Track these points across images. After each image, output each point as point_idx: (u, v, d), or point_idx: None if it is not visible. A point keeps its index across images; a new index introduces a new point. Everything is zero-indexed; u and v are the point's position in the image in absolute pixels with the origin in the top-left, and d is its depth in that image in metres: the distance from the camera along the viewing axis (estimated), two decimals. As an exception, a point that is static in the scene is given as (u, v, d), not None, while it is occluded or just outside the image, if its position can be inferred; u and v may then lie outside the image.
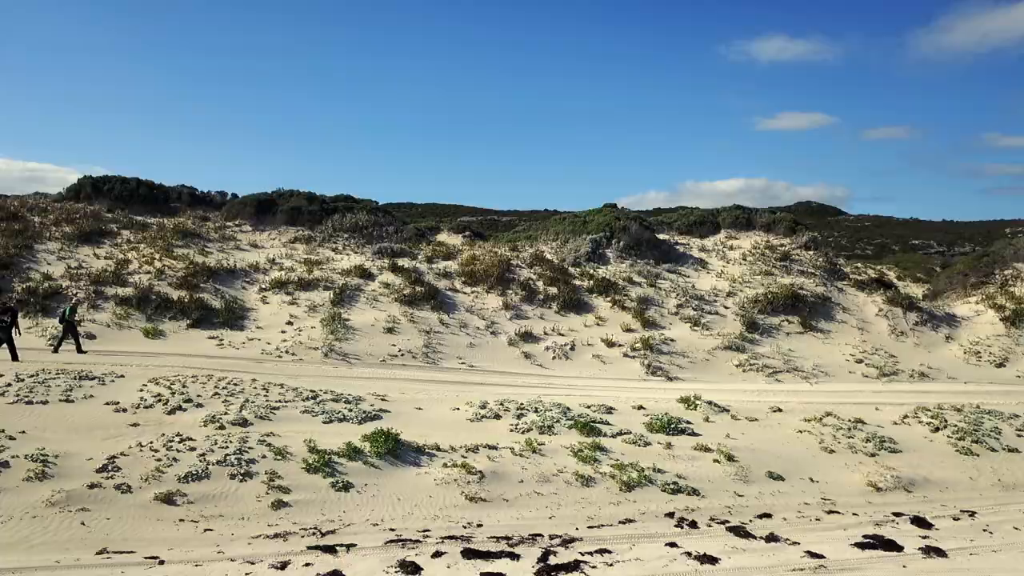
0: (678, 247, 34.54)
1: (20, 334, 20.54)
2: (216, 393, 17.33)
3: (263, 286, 26.84)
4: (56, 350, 20.98)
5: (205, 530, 11.59)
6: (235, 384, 18.19)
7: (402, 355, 22.90)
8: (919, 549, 11.74)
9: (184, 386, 17.70)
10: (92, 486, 12.44)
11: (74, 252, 28.52)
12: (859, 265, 43.64)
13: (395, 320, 24.94)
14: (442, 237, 37.96)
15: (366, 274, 28.04)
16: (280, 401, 17.01)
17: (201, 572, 9.87)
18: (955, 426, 18.03)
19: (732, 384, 22.53)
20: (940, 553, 11.62)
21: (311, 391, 17.90)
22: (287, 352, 22.28)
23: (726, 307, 27.83)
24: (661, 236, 35.83)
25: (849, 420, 18.28)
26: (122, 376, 18.46)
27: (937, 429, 17.91)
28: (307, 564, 10.32)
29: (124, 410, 16.05)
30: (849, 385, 22.80)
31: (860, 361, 24.61)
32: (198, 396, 17.06)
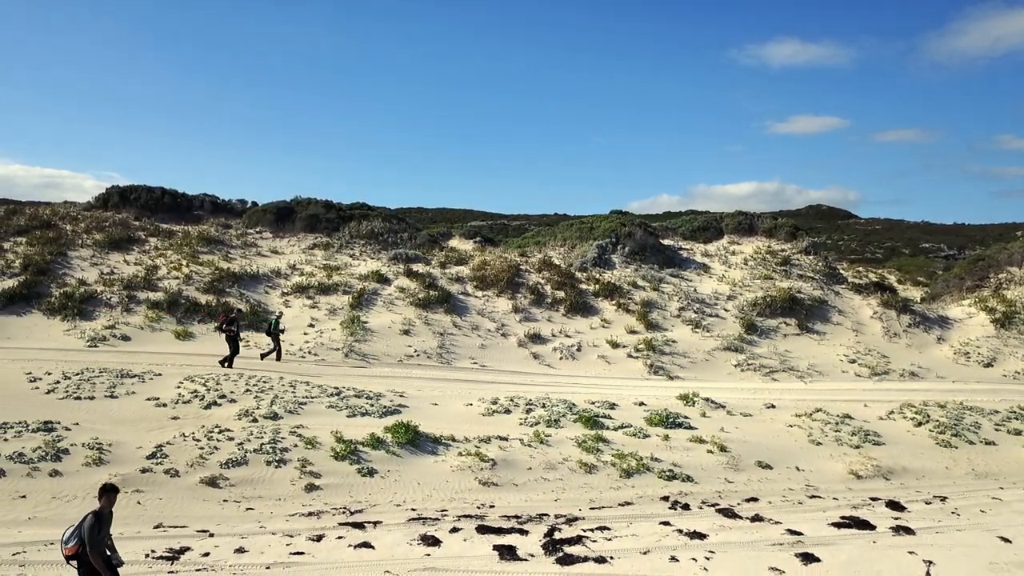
0: (682, 252, 35.77)
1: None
2: (248, 390, 18.71)
3: (285, 290, 28.26)
4: (264, 357, 22.34)
5: (247, 509, 12.98)
6: (264, 382, 19.56)
7: (417, 355, 24.25)
8: (890, 528, 12.96)
9: (218, 384, 19.09)
10: (144, 471, 13.87)
11: (106, 258, 30.04)
12: (860, 269, 44.66)
13: (410, 322, 26.29)
14: (454, 243, 39.24)
15: (382, 279, 29.42)
16: (306, 397, 18.38)
17: (247, 543, 11.21)
18: (937, 421, 19.22)
19: (730, 383, 23.74)
20: (908, 531, 12.85)
21: (335, 388, 19.28)
22: (310, 353, 23.65)
23: (726, 310, 29.05)
24: (666, 241, 37.04)
25: (837, 415, 19.50)
26: (159, 374, 19.88)
27: (920, 424, 19.10)
28: (340, 537, 11.66)
29: (164, 405, 17.49)
30: (841, 384, 23.98)
31: (853, 361, 25.78)
32: (231, 392, 18.46)
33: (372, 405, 18.01)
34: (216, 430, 15.72)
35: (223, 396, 18.12)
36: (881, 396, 22.06)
